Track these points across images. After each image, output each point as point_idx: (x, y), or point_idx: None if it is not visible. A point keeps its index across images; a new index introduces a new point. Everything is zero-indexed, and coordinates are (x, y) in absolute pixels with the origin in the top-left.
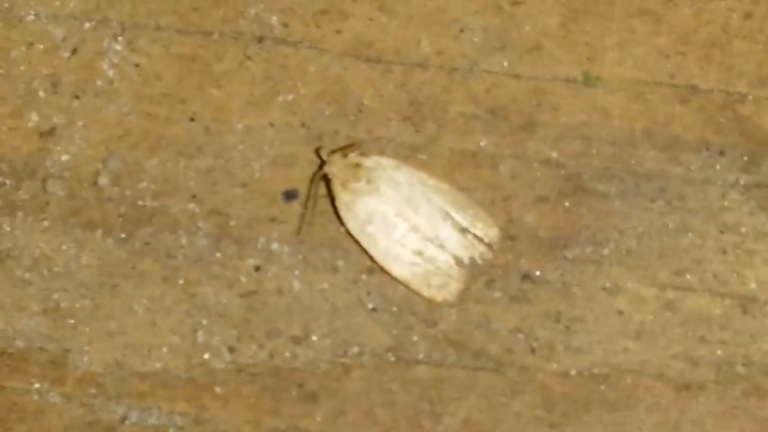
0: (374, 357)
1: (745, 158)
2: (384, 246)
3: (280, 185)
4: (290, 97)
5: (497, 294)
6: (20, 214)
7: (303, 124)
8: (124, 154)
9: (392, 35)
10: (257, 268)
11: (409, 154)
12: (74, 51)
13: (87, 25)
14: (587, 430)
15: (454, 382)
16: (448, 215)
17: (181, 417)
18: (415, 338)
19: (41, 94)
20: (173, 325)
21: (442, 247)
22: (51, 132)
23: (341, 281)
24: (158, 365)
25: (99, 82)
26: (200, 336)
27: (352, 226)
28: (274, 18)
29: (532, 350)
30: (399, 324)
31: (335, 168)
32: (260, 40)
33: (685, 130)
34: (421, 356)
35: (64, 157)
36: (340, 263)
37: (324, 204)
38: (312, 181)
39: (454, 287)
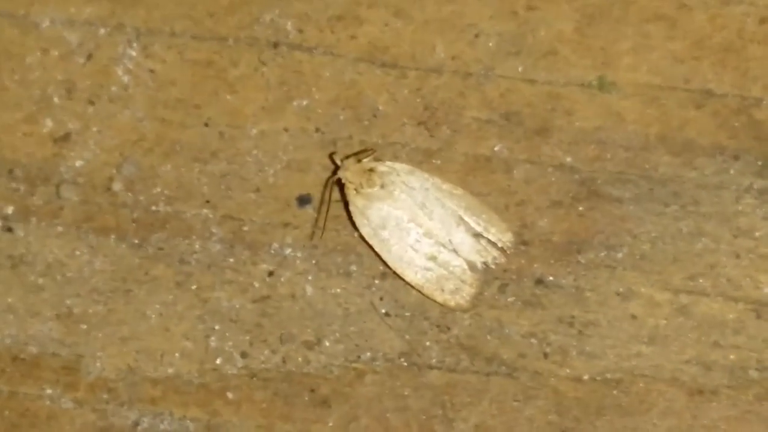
0: (387, 362)
1: (760, 163)
2: (397, 251)
3: (293, 190)
4: (305, 102)
5: (510, 299)
6: (34, 219)
7: (317, 130)
8: (138, 160)
9: (407, 40)
10: (270, 273)
11: (423, 159)
12: (89, 57)
13: (102, 31)
14: None
15: (466, 387)
16: (461, 220)
17: (194, 422)
18: (428, 343)
19: (56, 99)
20: (186, 330)
21: (455, 252)
22: (65, 138)
23: (354, 286)
24: (171, 371)
25: (114, 88)
26: (213, 341)
27: (366, 231)
28: (289, 23)
29: (545, 355)
30: (412, 329)
31: (349, 173)
32: (275, 45)
33: (700, 134)
34: (433, 361)
35: (78, 163)
36: (354, 268)
37: (337, 209)
38: (326, 186)
39: (467, 292)
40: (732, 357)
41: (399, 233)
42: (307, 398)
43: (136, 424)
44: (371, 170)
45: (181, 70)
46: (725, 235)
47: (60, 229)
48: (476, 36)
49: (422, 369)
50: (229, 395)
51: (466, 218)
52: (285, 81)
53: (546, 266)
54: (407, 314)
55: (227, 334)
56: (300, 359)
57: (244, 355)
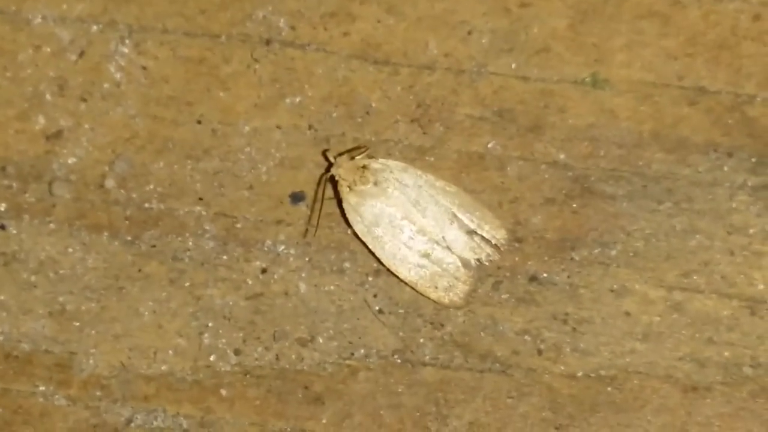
0: (380, 359)
1: (753, 160)
2: (391, 248)
3: (286, 187)
4: (297, 99)
5: (504, 296)
6: (26, 216)
7: (310, 127)
8: (130, 157)
9: (400, 37)
10: (264, 271)
11: (416, 156)
12: (81, 54)
13: (94, 27)
14: None
15: (460, 384)
16: (455, 217)
17: (187, 419)
18: (421, 340)
19: (48, 96)
20: (179, 327)
21: (449, 249)
22: (58, 135)
23: (348, 283)
24: (164, 368)
25: (106, 85)
26: (206, 338)
27: (359, 228)
28: (282, 20)
29: (539, 352)
30: (405, 326)
31: (342, 170)
32: (267, 42)
33: (693, 131)
34: (427, 358)
35: (70, 160)
36: (347, 265)
37: (331, 206)
38: (319, 183)
39: (460, 289)
40: (726, 354)
41: (392, 230)
42: (300, 395)
43: (129, 421)
44: (364, 167)
45: (174, 67)
46: (719, 232)
47: (52, 226)
48: (469, 33)
49: (416, 366)
50: (223, 392)
51: (460, 215)
52: (278, 78)
53: (540, 263)
54: (401, 311)
55: (220, 331)
56: (293, 356)
57: (237, 352)
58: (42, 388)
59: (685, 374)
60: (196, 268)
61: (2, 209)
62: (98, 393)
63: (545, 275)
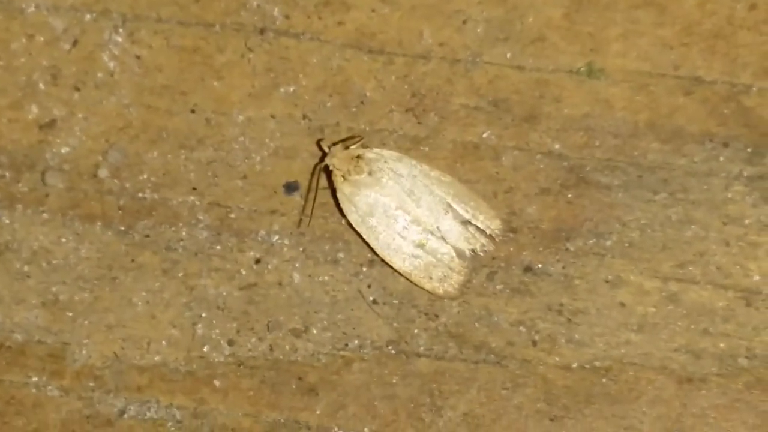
0: (375, 350)
1: (749, 150)
2: (385, 238)
3: (281, 177)
4: (292, 88)
5: (499, 286)
6: (19, 206)
7: (304, 116)
8: (124, 147)
9: (394, 26)
10: (257, 261)
11: (411, 146)
12: (75, 43)
13: (88, 16)
14: (589, 424)
15: (455, 375)
16: (449, 207)
17: (180, 410)
18: (416, 331)
19: (41, 86)
20: (172, 318)
21: (443, 239)
22: (51, 124)
23: (342, 274)
24: (157, 358)
25: (99, 74)
26: (200, 329)
27: (353, 218)
28: (276, 9)
29: (534, 343)
30: (400, 317)
31: (336, 160)
32: (262, 31)
33: (689, 121)
34: (421, 349)
35: (64, 150)
36: (341, 255)
37: (325, 196)
38: (313, 173)
39: (455, 280)
40: (721, 345)
41: (387, 220)
42: (294, 386)
43: (123, 412)
44: (359, 157)
45: (168, 56)
46: (715, 223)
47: (45, 216)
48: (464, 22)
49: (410, 357)
50: (216, 383)
51: (454, 205)
52: (272, 67)
53: (534, 254)
54: (395, 302)
55: (214, 321)
56: (287, 347)
57: (231, 342)
58: (35, 378)
59: (681, 365)
60: (189, 258)
61: None
62: (91, 383)
63: (540, 266)
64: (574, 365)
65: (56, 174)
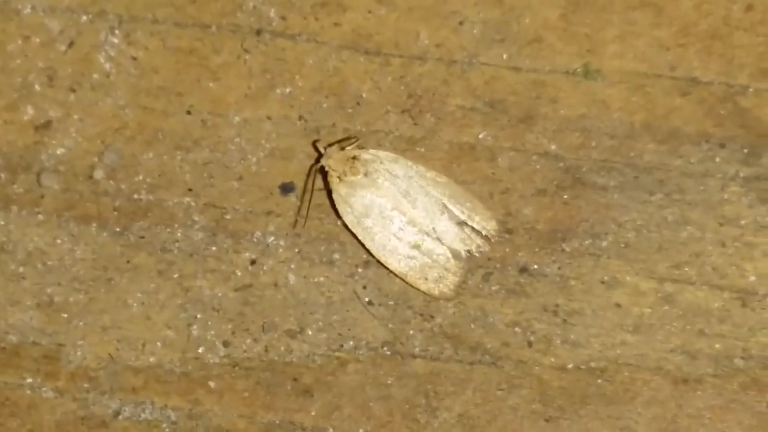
0: (370, 351)
1: (745, 151)
2: (381, 239)
3: (276, 178)
4: (288, 90)
5: (494, 287)
6: (15, 207)
7: (300, 117)
8: (120, 148)
9: (391, 28)
10: (253, 262)
11: (407, 147)
12: (71, 44)
13: (84, 18)
14: (584, 424)
15: (450, 376)
16: (445, 208)
17: (175, 411)
18: (411, 332)
19: (37, 87)
20: (168, 319)
21: (439, 240)
22: (47, 125)
23: (337, 275)
24: (152, 359)
25: (95, 76)
26: (195, 330)
27: (349, 219)
28: (272, 11)
29: (529, 344)
30: (395, 318)
31: (332, 161)
32: (258, 33)
33: (685, 122)
34: (417, 350)
35: (59, 151)
36: (337, 257)
37: (321, 197)
38: (309, 174)
39: (451, 281)
40: (717, 346)
41: (382, 221)
42: (289, 387)
43: (117, 413)
44: (355, 158)
45: (164, 57)
46: (711, 224)
47: (41, 217)
48: (460, 23)
49: (405, 358)
50: (211, 384)
51: (450, 206)
52: (268, 68)
53: (530, 255)
54: (390, 303)
55: (209, 322)
56: (282, 348)
57: (226, 344)
58: (29, 380)
59: (676, 366)
60: (185, 259)
61: None
62: (86, 385)
63: (536, 267)
64: (570, 366)
65: (52, 175)
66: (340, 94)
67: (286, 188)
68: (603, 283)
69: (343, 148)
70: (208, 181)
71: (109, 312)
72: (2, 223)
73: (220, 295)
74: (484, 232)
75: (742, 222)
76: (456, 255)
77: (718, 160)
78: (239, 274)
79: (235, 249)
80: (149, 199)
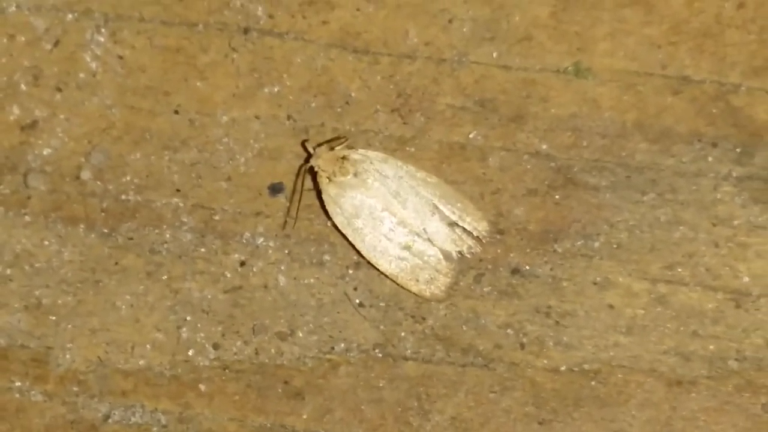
0: (361, 353)
1: (738, 150)
2: (371, 240)
3: (265, 179)
4: (276, 89)
5: (486, 289)
6: (1, 209)
7: (289, 117)
8: (107, 148)
9: (379, 26)
10: (242, 263)
11: (396, 147)
12: (56, 43)
13: (69, 16)
14: (577, 427)
15: (442, 378)
16: (436, 209)
17: (165, 415)
18: (402, 334)
19: (23, 86)
20: (157, 321)
21: (430, 241)
22: (33, 125)
23: (328, 276)
24: (142, 362)
25: (82, 75)
26: (184, 332)
27: (339, 220)
28: (260, 9)
29: (522, 346)
30: (386, 319)
31: (321, 161)
32: (245, 31)
33: (677, 121)
34: (408, 352)
35: (46, 151)
36: (327, 258)
37: (310, 198)
38: (298, 174)
39: (442, 282)
40: (711, 347)
41: (373, 222)
42: (280, 390)
43: (107, 417)
44: (344, 158)
45: (151, 56)
46: (703, 224)
47: (28, 218)
48: (450, 21)
49: (397, 360)
50: (202, 387)
51: (441, 207)
52: (256, 67)
53: (522, 255)
54: (382, 304)
55: (199, 325)
56: (273, 351)
57: (216, 346)
58: (18, 383)
59: (670, 368)
60: (173, 260)
61: None
62: (75, 388)
63: (527, 268)
64: (563, 368)
65: (38, 176)
66: (329, 93)
67: (275, 189)
68: (595, 284)
69: (332, 148)
70: (197, 181)
71: (98, 314)
72: None
73: (209, 297)
74: (475, 233)
75: (735, 222)
76: (447, 256)
77: (710, 159)
78: (229, 275)
79: (224, 250)
80: (137, 199)
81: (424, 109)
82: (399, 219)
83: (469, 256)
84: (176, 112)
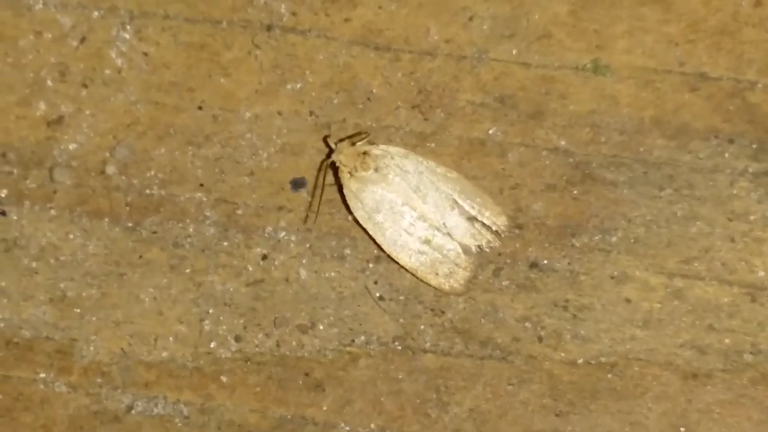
0: (381, 346)
1: (754, 146)
2: (391, 234)
3: (287, 174)
4: (298, 85)
5: (505, 282)
6: (27, 203)
7: (311, 113)
8: (131, 143)
9: (401, 23)
10: (264, 257)
11: (417, 143)
12: (83, 40)
13: (95, 13)
14: (594, 419)
15: (460, 371)
16: (455, 203)
17: (187, 406)
18: (422, 327)
19: (49, 82)
20: (180, 314)
21: (449, 235)
22: (59, 121)
23: (348, 270)
24: (164, 354)
25: (107, 71)
26: (207, 325)
27: (360, 214)
28: (283, 6)
29: (540, 339)
30: (406, 313)
31: (343, 156)
32: (269, 28)
33: (694, 118)
34: (428, 345)
35: (71, 146)
36: (348, 252)
37: (331, 192)
38: (320, 169)
39: (461, 276)
40: (727, 341)
41: (393, 217)
42: (301, 382)
43: (130, 407)
44: (365, 153)
45: (175, 53)
46: (720, 219)
47: (53, 212)
48: (470, 19)
49: (416, 353)
50: (223, 379)
51: (461, 202)
52: (279, 64)
53: (540, 250)
54: (401, 298)
55: (221, 317)
56: (294, 343)
57: (238, 338)
58: (43, 375)
59: (686, 361)
60: (196, 254)
61: (3, 195)
62: (99, 380)
63: (546, 262)
64: (580, 361)
65: (64, 170)
66: (351, 89)
67: (297, 183)
68: (613, 278)
69: (353, 144)
70: (220, 176)
71: (122, 307)
72: (15, 218)
73: (231, 290)
74: (494, 228)
75: (751, 217)
76: (466, 250)
77: (727, 155)
78: (251, 269)
79: (246, 244)
80: (161, 194)
81: (444, 106)
82: (419, 213)
83: (487, 250)
84: (200, 108)
